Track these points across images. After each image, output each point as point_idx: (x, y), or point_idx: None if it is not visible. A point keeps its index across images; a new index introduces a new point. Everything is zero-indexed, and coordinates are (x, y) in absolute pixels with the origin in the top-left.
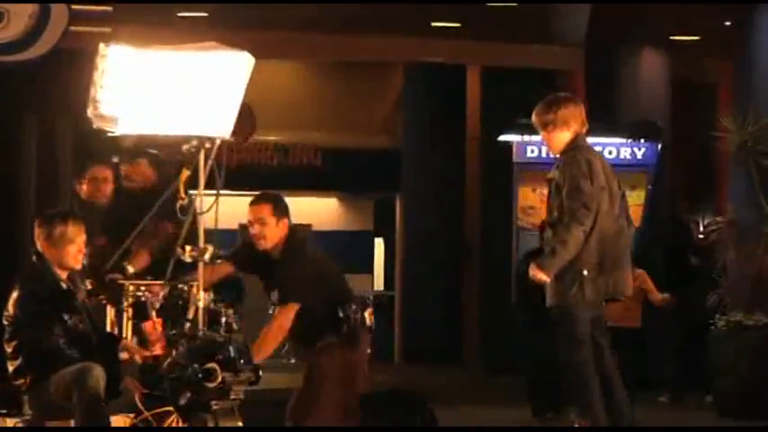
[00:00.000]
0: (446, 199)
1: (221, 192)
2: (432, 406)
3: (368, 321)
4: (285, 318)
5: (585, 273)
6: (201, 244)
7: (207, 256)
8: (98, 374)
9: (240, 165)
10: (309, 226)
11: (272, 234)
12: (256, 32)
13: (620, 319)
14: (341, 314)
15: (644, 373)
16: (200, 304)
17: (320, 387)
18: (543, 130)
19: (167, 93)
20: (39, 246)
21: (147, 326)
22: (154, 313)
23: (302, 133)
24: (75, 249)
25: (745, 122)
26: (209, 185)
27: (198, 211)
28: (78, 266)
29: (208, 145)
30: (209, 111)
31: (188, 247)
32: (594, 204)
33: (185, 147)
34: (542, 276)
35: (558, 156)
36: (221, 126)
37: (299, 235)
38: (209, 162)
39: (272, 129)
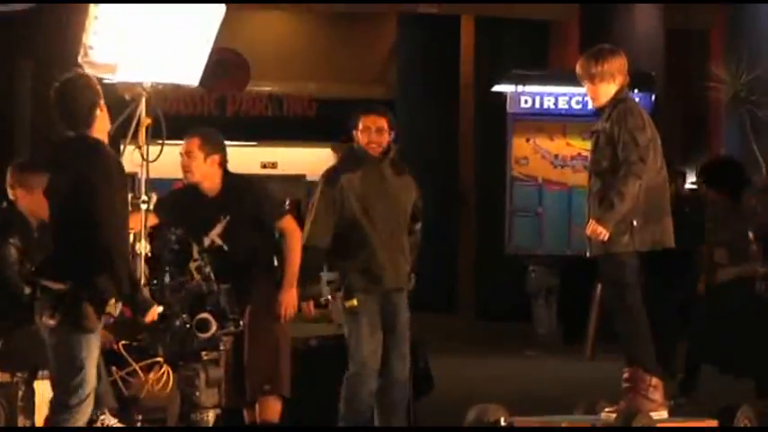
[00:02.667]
0: (440, 148)
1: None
2: (428, 353)
3: None
4: (294, 225)
5: (635, 223)
6: (144, 191)
7: (151, 205)
8: None
9: (235, 115)
10: (303, 176)
11: (198, 168)
12: None
13: None
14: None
15: None
16: (142, 251)
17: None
18: (589, 83)
19: (152, 40)
20: (11, 193)
21: None
22: None
23: (297, 84)
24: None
25: (738, 72)
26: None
27: (144, 159)
28: None
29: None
30: (182, 58)
31: (129, 195)
32: (649, 157)
33: (128, 95)
34: (603, 231)
35: (599, 108)
36: (192, 74)
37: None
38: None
39: (267, 79)
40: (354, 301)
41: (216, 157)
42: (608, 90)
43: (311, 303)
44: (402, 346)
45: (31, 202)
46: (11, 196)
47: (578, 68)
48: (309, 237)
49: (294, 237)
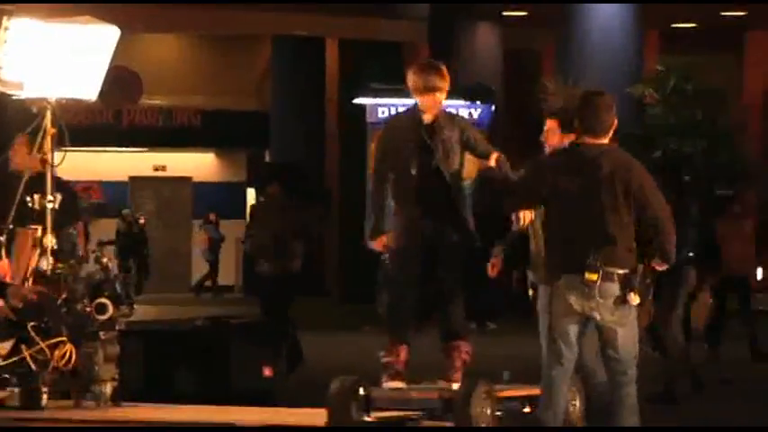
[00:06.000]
0: (309, 154)
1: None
2: (296, 332)
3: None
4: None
5: None
6: (50, 192)
7: (56, 204)
8: None
9: (130, 125)
10: (190, 178)
11: None
12: (140, 8)
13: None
14: None
15: None
16: (49, 245)
17: None
18: (441, 94)
19: (55, 60)
20: None
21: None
22: (3, 253)
23: (184, 97)
24: None
25: (566, 86)
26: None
27: (49, 164)
28: None
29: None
30: (82, 75)
31: (36, 196)
32: None
33: (34, 108)
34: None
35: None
36: (91, 89)
37: None
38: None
39: (158, 93)
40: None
41: None
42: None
43: None
44: None
45: None
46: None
47: (439, 81)
48: None
49: None
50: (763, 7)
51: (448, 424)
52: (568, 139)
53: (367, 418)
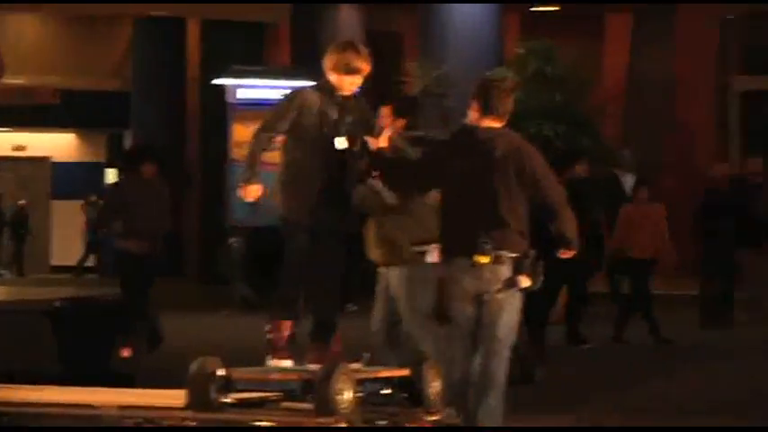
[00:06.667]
0: (169, 135)
1: None
2: (157, 313)
3: None
4: None
5: None
6: None
7: None
8: None
9: None
10: (49, 157)
11: None
12: None
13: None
14: None
15: None
16: None
17: None
18: (362, 75)
19: None
20: None
21: None
22: None
23: (44, 77)
24: None
25: (428, 69)
26: None
27: None
28: None
29: None
30: None
31: None
32: None
33: None
34: None
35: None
36: None
37: None
38: None
39: (18, 73)
40: None
41: None
42: None
43: None
44: None
45: None
46: None
47: (362, 63)
48: None
49: None
50: None
51: (307, 405)
52: (400, 124)
53: (226, 400)
